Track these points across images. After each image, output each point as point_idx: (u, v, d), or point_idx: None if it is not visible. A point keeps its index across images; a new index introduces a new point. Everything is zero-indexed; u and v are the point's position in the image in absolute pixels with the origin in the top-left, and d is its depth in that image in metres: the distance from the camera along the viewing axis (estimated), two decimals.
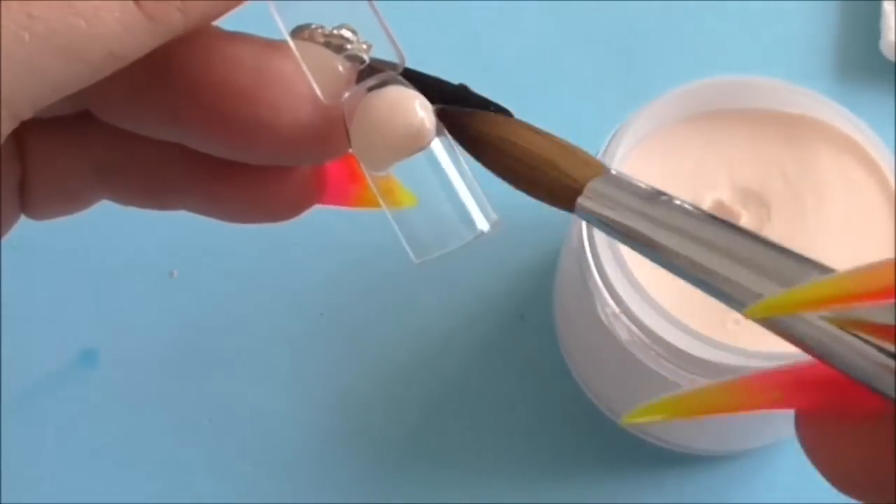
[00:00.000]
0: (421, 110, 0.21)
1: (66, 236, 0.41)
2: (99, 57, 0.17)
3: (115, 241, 0.41)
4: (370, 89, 0.21)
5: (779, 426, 0.37)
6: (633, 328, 0.32)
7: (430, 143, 0.21)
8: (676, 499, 0.38)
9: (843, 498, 0.40)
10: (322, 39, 0.21)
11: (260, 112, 0.20)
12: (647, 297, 0.31)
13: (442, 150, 0.21)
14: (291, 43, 0.20)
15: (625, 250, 0.31)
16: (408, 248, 0.21)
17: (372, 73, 0.21)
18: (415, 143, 0.21)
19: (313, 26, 0.21)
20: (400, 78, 0.21)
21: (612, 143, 0.33)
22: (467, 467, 0.38)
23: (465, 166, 0.21)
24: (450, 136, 0.21)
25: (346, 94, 0.21)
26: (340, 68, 0.21)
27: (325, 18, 0.21)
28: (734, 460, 0.38)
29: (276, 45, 0.21)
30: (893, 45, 0.42)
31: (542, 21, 0.45)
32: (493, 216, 0.21)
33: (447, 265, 0.41)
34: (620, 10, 0.45)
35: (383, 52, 0.21)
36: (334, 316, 0.40)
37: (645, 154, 0.34)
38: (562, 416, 0.39)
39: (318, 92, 0.20)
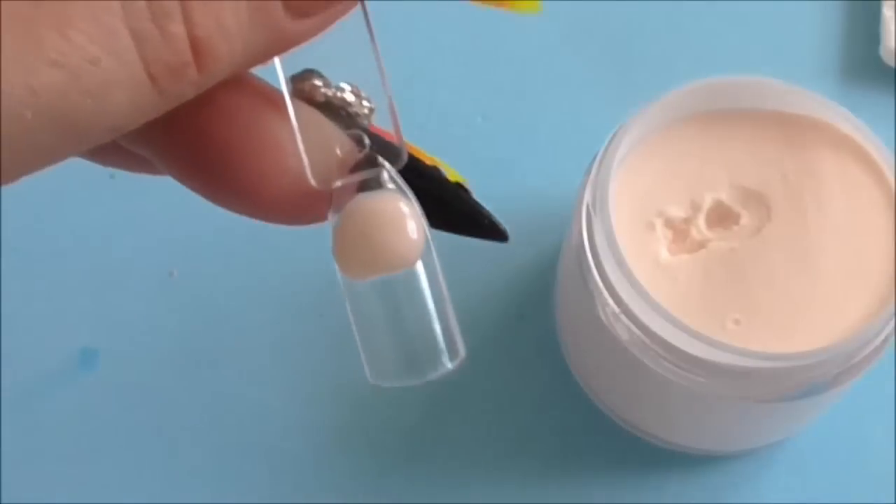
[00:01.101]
0: (414, 231, 0.19)
1: (67, 236, 0.41)
2: (101, 133, 0.16)
3: (115, 241, 0.41)
4: (363, 186, 0.19)
5: (779, 426, 0.37)
6: (633, 328, 0.32)
7: (415, 263, 0.19)
8: (677, 499, 0.38)
9: (842, 499, 0.40)
10: (322, 98, 0.19)
11: (243, 176, 0.19)
12: (647, 297, 0.31)
13: (424, 273, 0.20)
14: (291, 108, 0.19)
15: (625, 250, 0.31)
16: (366, 368, 0.20)
17: (368, 161, 0.20)
18: (400, 264, 0.19)
19: (315, 80, 0.19)
20: (396, 178, 0.20)
21: (612, 143, 0.33)
22: (467, 467, 0.38)
23: (445, 290, 0.20)
24: (435, 255, 0.20)
25: (339, 183, 0.19)
26: (338, 151, 0.19)
27: (330, 63, 0.20)
28: (734, 460, 0.38)
29: (274, 101, 0.19)
30: (893, 50, 0.42)
31: (541, 21, 0.45)
32: (462, 352, 0.20)
33: (447, 265, 0.41)
34: (620, 10, 0.45)
35: (382, 105, 0.20)
36: (334, 316, 0.40)
37: (645, 154, 0.34)
38: (562, 416, 0.39)
39: (310, 175, 0.19)
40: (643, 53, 0.44)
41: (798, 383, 0.32)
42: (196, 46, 0.16)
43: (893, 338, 0.32)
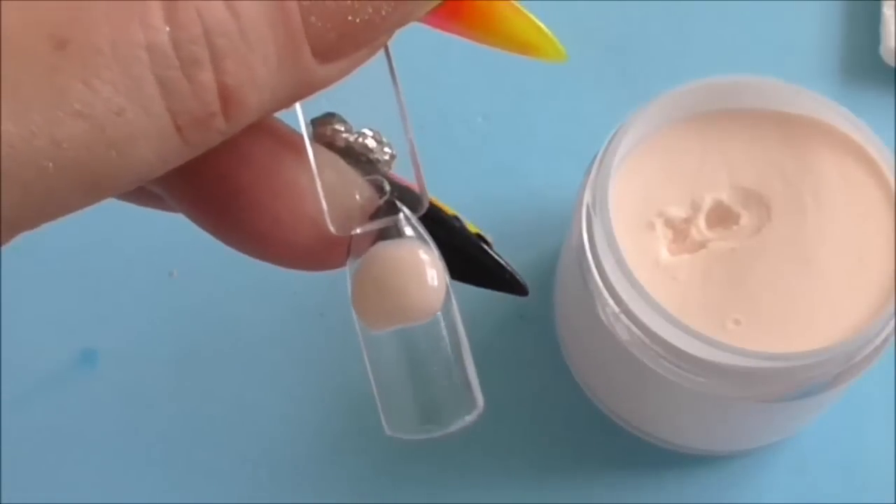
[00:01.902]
0: (435, 280, 0.19)
1: (66, 236, 0.41)
2: (124, 184, 0.15)
3: (115, 241, 0.41)
4: (382, 234, 0.19)
5: (779, 426, 0.37)
6: (633, 328, 0.32)
7: (435, 314, 0.19)
8: (676, 499, 0.38)
9: (842, 499, 0.40)
10: (343, 143, 0.19)
11: (258, 221, 0.18)
12: (647, 297, 0.31)
13: (444, 323, 0.19)
14: (311, 153, 0.18)
15: (625, 250, 0.31)
16: (383, 419, 0.20)
17: (389, 209, 0.19)
18: (420, 315, 0.19)
19: (336, 124, 0.19)
20: (417, 226, 0.19)
21: (612, 143, 0.33)
22: (467, 467, 0.38)
23: (465, 340, 0.20)
24: (455, 306, 0.20)
25: (358, 230, 0.19)
26: (358, 198, 0.19)
27: (349, 106, 0.19)
28: (734, 460, 0.38)
29: (293, 145, 0.18)
30: (893, 50, 0.42)
31: (542, 21, 0.45)
32: (480, 404, 0.20)
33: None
34: (620, 10, 0.45)
35: (405, 168, 0.19)
36: (334, 316, 0.40)
37: (645, 154, 0.34)
38: (562, 416, 0.39)
39: (329, 222, 0.18)
40: (643, 53, 0.44)
41: (798, 383, 0.32)
42: (224, 95, 0.15)
43: (893, 338, 0.32)
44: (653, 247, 0.33)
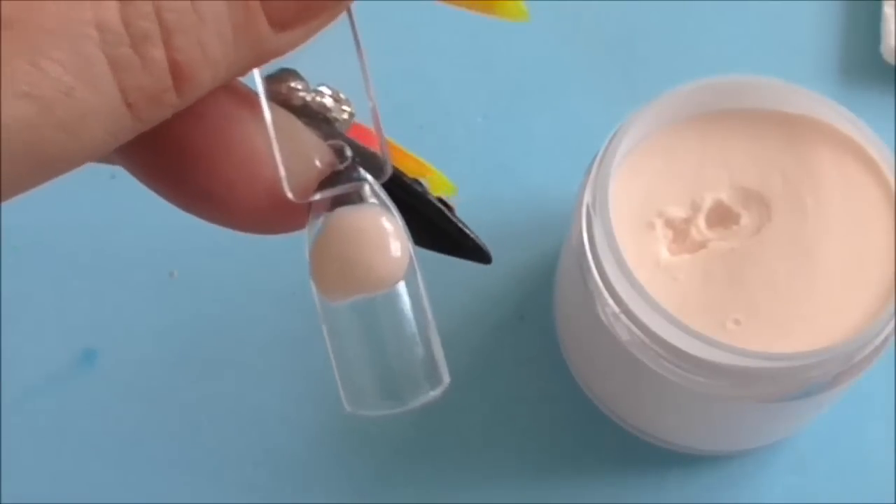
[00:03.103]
0: (398, 250, 0.18)
1: (66, 236, 0.41)
2: (74, 163, 0.15)
3: (115, 241, 0.41)
4: (343, 199, 0.18)
5: (779, 426, 0.37)
6: (633, 328, 0.32)
7: (397, 284, 0.18)
8: (676, 499, 0.38)
9: (842, 499, 0.40)
10: (300, 102, 0.18)
11: (212, 185, 0.17)
12: (647, 297, 0.31)
13: (406, 294, 0.18)
14: (268, 116, 0.17)
15: (625, 250, 0.31)
16: (342, 395, 0.19)
17: (349, 174, 0.18)
18: (382, 285, 0.18)
19: (292, 81, 0.18)
20: (380, 193, 0.18)
21: (612, 143, 0.33)
22: (467, 467, 0.38)
23: (430, 313, 0.19)
24: (420, 276, 0.19)
25: (318, 196, 0.18)
26: (317, 163, 0.18)
27: (305, 62, 0.18)
28: (734, 460, 0.38)
29: (249, 102, 0.18)
30: (894, 49, 0.42)
31: (542, 21, 0.45)
32: (446, 379, 0.19)
33: (447, 265, 0.41)
34: (620, 10, 0.45)
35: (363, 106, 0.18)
36: None
37: (645, 154, 0.34)
38: (562, 416, 0.39)
39: (287, 189, 0.17)
40: (643, 53, 0.44)
41: (798, 383, 0.32)
42: (176, 71, 0.15)
43: (893, 338, 0.32)
44: (653, 247, 0.33)
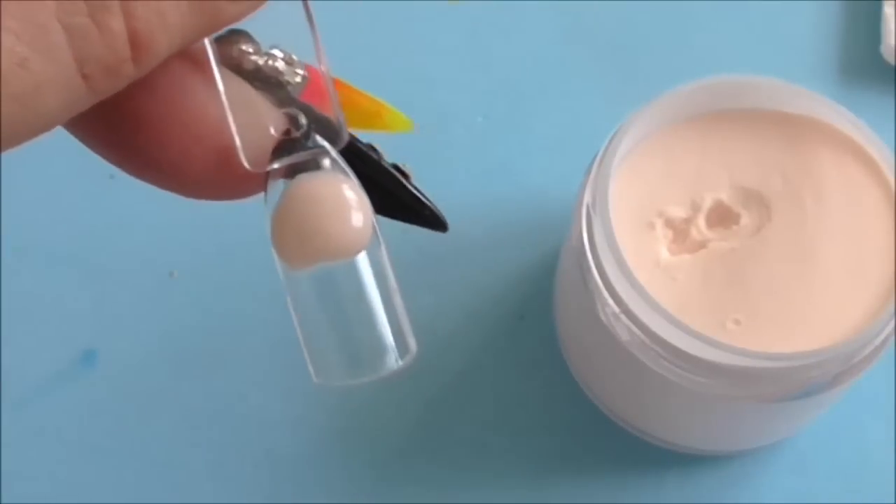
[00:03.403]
0: (360, 218, 0.18)
1: (66, 236, 0.41)
2: (26, 136, 0.14)
3: (115, 241, 0.41)
4: (299, 167, 0.18)
5: (779, 426, 0.37)
6: (633, 328, 0.32)
7: (361, 251, 0.18)
8: (676, 499, 0.38)
9: (842, 499, 0.40)
10: (252, 66, 0.18)
11: (164, 152, 0.17)
12: (647, 297, 0.31)
13: (368, 263, 0.18)
14: (221, 85, 0.17)
15: (625, 250, 0.31)
16: (310, 366, 0.19)
17: (305, 141, 0.18)
18: (345, 252, 0.18)
19: (243, 44, 0.18)
20: (339, 161, 0.18)
21: (612, 143, 0.33)
22: (467, 467, 0.38)
23: (394, 282, 0.18)
24: (383, 244, 0.18)
25: (275, 165, 0.18)
26: (272, 131, 0.18)
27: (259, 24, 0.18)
28: (734, 460, 0.38)
29: (200, 66, 0.17)
30: (894, 48, 0.42)
31: (542, 21, 0.45)
32: (413, 348, 0.18)
33: (447, 265, 0.41)
34: (620, 10, 0.45)
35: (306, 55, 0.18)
36: None
37: (645, 154, 0.34)
38: (562, 416, 0.39)
39: (243, 158, 0.17)
40: (643, 53, 0.44)
41: (798, 383, 0.32)
42: (135, 41, 0.14)
43: (893, 338, 0.32)
44: (653, 247, 0.33)
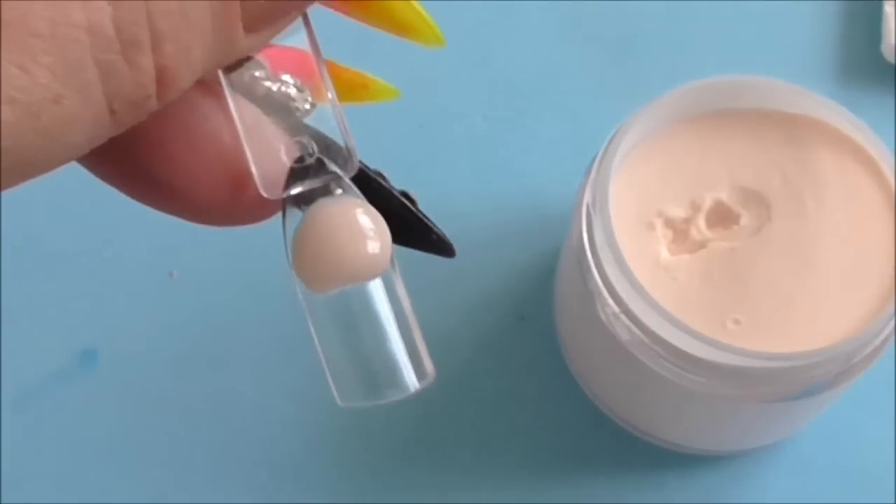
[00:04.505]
0: (380, 242, 0.18)
1: (67, 236, 0.41)
2: (51, 167, 0.15)
3: (115, 241, 0.41)
4: (313, 195, 0.18)
5: (779, 426, 0.37)
6: (633, 328, 0.32)
7: (381, 273, 0.18)
8: (677, 499, 0.38)
9: (842, 499, 0.40)
10: (263, 92, 0.18)
11: (176, 182, 0.17)
12: (647, 297, 0.31)
13: (383, 288, 0.19)
14: (235, 112, 0.17)
15: (625, 250, 0.31)
16: (333, 389, 0.19)
17: (317, 168, 0.18)
18: (365, 274, 0.18)
19: (253, 69, 0.18)
20: (351, 187, 0.18)
21: (612, 143, 0.33)
22: (467, 467, 0.38)
23: (409, 305, 0.19)
24: (398, 268, 0.19)
25: (293, 191, 0.18)
26: (284, 158, 0.18)
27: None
28: (734, 460, 0.38)
29: (213, 95, 0.17)
30: (894, 47, 0.42)
31: (542, 21, 0.45)
32: (430, 371, 0.19)
33: (447, 265, 0.41)
34: (620, 10, 0.45)
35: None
36: None
37: (645, 154, 0.34)
38: (562, 416, 0.39)
39: (260, 185, 0.17)
40: (643, 53, 0.44)
41: (798, 383, 0.32)
42: (161, 77, 0.15)
43: (893, 338, 0.32)
44: (653, 247, 0.33)
